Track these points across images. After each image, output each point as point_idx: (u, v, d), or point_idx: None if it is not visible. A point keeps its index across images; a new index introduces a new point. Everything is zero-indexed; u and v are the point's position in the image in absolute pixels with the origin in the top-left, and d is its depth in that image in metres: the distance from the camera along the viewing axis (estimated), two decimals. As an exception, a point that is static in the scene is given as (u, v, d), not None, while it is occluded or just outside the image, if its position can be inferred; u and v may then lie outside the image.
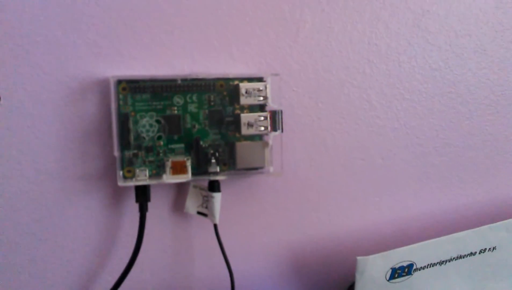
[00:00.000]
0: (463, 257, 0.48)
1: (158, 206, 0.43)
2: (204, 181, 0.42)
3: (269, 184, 0.45)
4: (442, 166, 0.53)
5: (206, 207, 0.43)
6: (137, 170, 0.39)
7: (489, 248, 0.49)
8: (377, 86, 0.49)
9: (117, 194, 0.42)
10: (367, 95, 0.49)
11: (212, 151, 0.41)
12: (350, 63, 0.48)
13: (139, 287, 0.44)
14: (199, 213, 0.43)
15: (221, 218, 0.43)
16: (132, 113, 0.39)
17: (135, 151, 0.39)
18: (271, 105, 0.41)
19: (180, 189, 0.43)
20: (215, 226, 0.43)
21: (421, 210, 0.52)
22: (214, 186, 0.42)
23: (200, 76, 0.40)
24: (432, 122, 0.52)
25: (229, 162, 0.41)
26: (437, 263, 0.47)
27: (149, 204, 0.41)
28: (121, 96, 0.39)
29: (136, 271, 0.43)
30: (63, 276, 0.42)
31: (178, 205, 0.44)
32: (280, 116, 0.42)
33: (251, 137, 0.41)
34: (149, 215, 0.41)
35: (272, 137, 0.42)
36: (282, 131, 0.42)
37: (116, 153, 0.39)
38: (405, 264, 0.45)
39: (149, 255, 0.43)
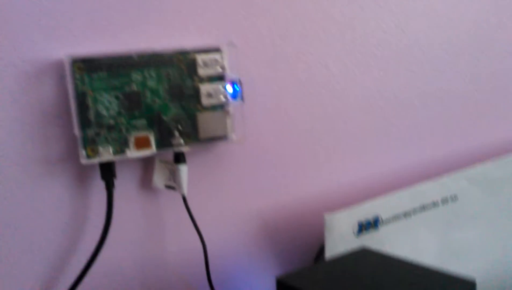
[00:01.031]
0: (427, 208, 0.50)
1: (125, 184, 0.43)
2: (169, 154, 0.43)
3: (234, 153, 0.46)
4: (401, 125, 0.55)
5: (174, 180, 0.44)
6: (100, 148, 0.39)
7: (451, 197, 0.51)
8: (333, 52, 0.51)
9: (82, 175, 0.42)
10: (325, 61, 0.50)
11: (174, 124, 0.41)
12: (306, 31, 0.49)
13: (112, 267, 0.44)
14: (167, 186, 0.44)
15: (190, 190, 0.44)
16: (90, 92, 0.39)
17: (97, 130, 0.39)
18: (230, 74, 0.42)
19: (146, 165, 0.44)
20: (184, 198, 0.44)
21: (383, 168, 0.54)
22: (179, 158, 0.42)
23: (157, 51, 0.40)
24: (388, 84, 0.54)
25: (192, 134, 0.42)
26: (402, 215, 0.49)
27: (116, 183, 0.42)
28: (77, 75, 0.39)
29: (108, 250, 0.43)
30: (34, 261, 0.42)
31: (145, 181, 0.44)
32: (239, 85, 0.42)
33: (212, 108, 0.42)
34: (117, 193, 0.42)
35: (233, 106, 0.42)
36: (242, 100, 0.43)
37: (77, 132, 0.39)
38: (370, 218, 0.47)
39: (120, 233, 0.44)
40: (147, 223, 0.45)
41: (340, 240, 0.46)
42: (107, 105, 0.40)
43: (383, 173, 0.54)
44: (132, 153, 0.40)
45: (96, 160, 0.39)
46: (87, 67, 0.39)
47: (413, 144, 0.55)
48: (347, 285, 0.33)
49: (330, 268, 0.37)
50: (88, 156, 0.39)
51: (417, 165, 0.56)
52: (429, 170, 0.56)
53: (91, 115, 0.39)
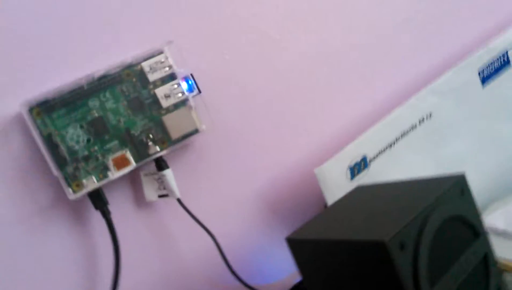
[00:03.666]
0: (407, 133, 0.51)
1: (120, 207, 0.44)
2: (150, 164, 0.44)
3: (210, 142, 0.47)
4: (357, 67, 0.56)
5: (164, 188, 0.45)
6: (84, 180, 0.41)
7: (426, 116, 0.52)
8: (272, 21, 0.52)
9: (76, 210, 0.43)
10: (266, 33, 0.51)
11: (145, 135, 0.43)
12: (239, 9, 0.50)
13: (137, 287, 0.45)
14: (160, 196, 0.45)
15: (182, 191, 0.45)
16: (55, 132, 0.40)
17: (74, 164, 0.40)
18: (179, 71, 0.43)
19: (133, 182, 0.45)
20: (179, 200, 0.45)
21: (352, 113, 0.55)
22: (161, 165, 0.43)
23: (104, 73, 0.41)
24: (331, 34, 0.55)
25: (164, 138, 0.43)
26: (387, 147, 0.50)
27: (111, 208, 0.43)
28: (38, 120, 0.40)
29: (127, 276, 0.44)
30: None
31: (138, 198, 0.45)
32: (191, 78, 0.44)
33: (174, 107, 0.43)
34: (115, 218, 0.43)
35: (192, 99, 0.44)
36: (199, 91, 0.44)
37: (56, 173, 0.40)
38: (359, 159, 0.48)
39: (131, 256, 0.44)
40: (153, 237, 0.46)
41: (337, 188, 0.47)
42: (76, 138, 0.41)
43: (353, 119, 0.55)
44: (115, 174, 0.41)
45: (83, 192, 0.40)
46: (45, 109, 0.40)
47: (372, 80, 0.57)
48: (345, 219, 0.34)
49: (331, 213, 0.38)
50: (74, 191, 0.40)
51: (385, 99, 0.57)
52: (400, 99, 0.58)
53: (64, 152, 0.40)
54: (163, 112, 0.43)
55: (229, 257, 0.47)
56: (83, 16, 0.42)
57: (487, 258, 0.33)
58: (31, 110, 0.40)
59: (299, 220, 0.52)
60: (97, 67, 0.42)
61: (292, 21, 0.52)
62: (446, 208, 0.31)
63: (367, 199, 0.38)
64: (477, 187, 0.55)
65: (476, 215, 0.34)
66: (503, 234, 0.46)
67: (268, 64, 0.51)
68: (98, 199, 0.41)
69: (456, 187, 0.33)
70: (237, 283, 0.48)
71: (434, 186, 0.34)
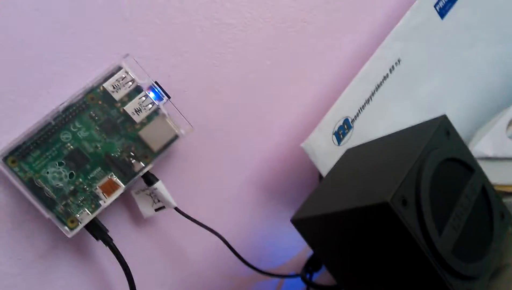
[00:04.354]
0: (381, 84, 0.51)
1: (121, 231, 0.44)
2: (139, 182, 0.43)
3: (193, 145, 0.47)
4: (320, 30, 0.55)
5: (159, 201, 0.44)
6: (77, 215, 0.40)
7: (395, 63, 0.52)
8: (220, 9, 0.50)
9: (79, 246, 0.42)
10: (218, 20, 0.50)
11: (126, 154, 0.42)
12: (185, 2, 0.48)
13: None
14: (157, 210, 0.44)
15: (177, 199, 0.45)
16: (36, 175, 0.39)
17: (63, 202, 0.40)
18: (142, 82, 0.42)
19: (127, 204, 0.44)
20: (177, 209, 0.44)
21: (325, 79, 0.55)
22: (150, 179, 0.43)
23: (68, 104, 0.40)
24: (285, 4, 0.54)
25: (146, 152, 0.42)
26: (365, 103, 0.50)
27: (112, 234, 0.42)
28: (15, 168, 0.39)
29: (145, 292, 0.44)
30: None
31: (136, 217, 0.45)
32: (157, 86, 0.43)
33: (148, 120, 0.42)
34: (118, 243, 0.42)
35: (163, 107, 0.43)
36: (168, 97, 0.43)
37: (47, 215, 0.39)
38: (341, 123, 0.48)
39: (144, 276, 0.44)
40: (160, 251, 0.45)
41: (327, 157, 0.47)
42: (58, 176, 0.40)
43: (327, 84, 0.55)
44: (106, 201, 0.41)
45: (80, 227, 0.40)
46: (19, 156, 0.39)
47: (340, 38, 0.56)
48: (343, 188, 0.35)
49: (327, 185, 0.38)
50: (71, 228, 0.40)
51: (350, 58, 0.57)
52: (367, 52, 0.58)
53: (50, 193, 0.39)
54: (138, 127, 0.42)
55: (238, 250, 0.48)
56: (31, 54, 0.41)
57: (485, 190, 0.34)
58: (5, 159, 0.38)
59: (297, 196, 0.53)
60: (60, 100, 0.40)
61: (244, 2, 0.51)
62: (436, 153, 0.32)
63: (359, 161, 0.38)
64: (459, 119, 0.57)
65: (466, 151, 0.35)
66: (493, 159, 0.47)
67: (230, 49, 0.50)
68: (96, 229, 0.41)
69: (440, 130, 0.34)
70: (252, 271, 0.48)
71: (419, 134, 0.34)
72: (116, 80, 0.41)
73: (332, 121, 0.48)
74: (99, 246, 0.43)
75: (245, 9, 0.51)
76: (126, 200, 0.44)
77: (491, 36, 0.60)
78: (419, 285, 0.30)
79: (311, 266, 0.48)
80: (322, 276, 0.55)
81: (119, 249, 0.42)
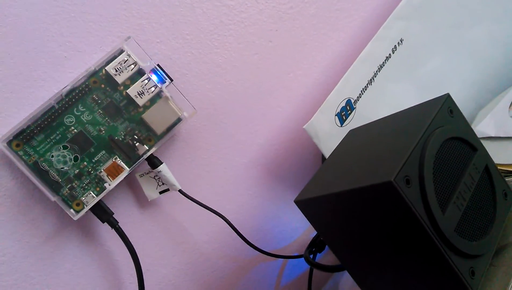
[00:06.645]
0: (384, 65, 0.51)
1: (126, 213, 0.44)
2: (144, 165, 0.44)
3: (196, 127, 0.47)
4: (319, 13, 0.55)
5: (163, 183, 0.44)
6: (83, 198, 0.40)
7: (398, 43, 0.52)
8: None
9: (85, 228, 0.43)
10: (219, 2, 0.50)
11: (130, 137, 0.42)
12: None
13: (164, 284, 0.46)
14: (161, 192, 0.45)
15: (181, 181, 0.45)
16: (40, 159, 0.39)
17: (69, 185, 0.40)
18: (144, 65, 0.42)
19: (132, 187, 0.44)
20: (181, 191, 0.45)
21: (327, 60, 0.55)
22: (154, 162, 0.43)
23: (71, 88, 0.40)
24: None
25: (150, 135, 0.43)
26: (367, 84, 0.50)
27: (117, 216, 0.43)
28: (20, 152, 0.39)
29: (149, 272, 0.44)
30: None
31: (141, 200, 0.45)
32: (159, 69, 0.42)
33: (151, 102, 0.42)
34: (124, 225, 0.43)
35: (166, 89, 0.43)
36: (171, 79, 0.43)
37: (52, 198, 0.39)
38: (343, 104, 0.48)
39: (150, 257, 0.45)
40: (165, 233, 0.46)
41: (330, 138, 0.47)
42: (62, 159, 0.40)
43: (329, 64, 0.55)
44: (111, 184, 0.41)
45: (85, 210, 0.40)
46: (23, 139, 0.39)
47: (340, 20, 0.56)
48: (346, 168, 0.35)
49: (330, 165, 0.38)
50: (77, 211, 0.40)
51: (353, 39, 0.57)
52: (368, 33, 0.57)
53: (55, 176, 0.40)
54: (141, 110, 0.42)
55: (242, 232, 0.48)
56: (34, 40, 0.41)
57: (488, 169, 0.34)
58: (9, 143, 0.39)
59: (300, 177, 0.53)
60: (64, 83, 0.40)
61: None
62: (440, 132, 0.32)
63: (362, 141, 0.38)
64: (462, 98, 0.56)
65: (469, 130, 0.35)
66: (496, 139, 0.47)
67: (231, 31, 0.50)
68: (102, 212, 0.41)
69: (444, 108, 0.33)
70: (257, 253, 0.49)
71: (423, 114, 0.34)
72: (119, 63, 0.41)
73: (335, 102, 0.48)
74: (105, 229, 0.43)
75: (246, -10, 0.51)
76: (130, 183, 0.44)
77: (494, 14, 0.59)
78: (422, 264, 0.30)
79: (314, 247, 0.48)
80: (326, 257, 0.55)
81: (124, 231, 0.42)
